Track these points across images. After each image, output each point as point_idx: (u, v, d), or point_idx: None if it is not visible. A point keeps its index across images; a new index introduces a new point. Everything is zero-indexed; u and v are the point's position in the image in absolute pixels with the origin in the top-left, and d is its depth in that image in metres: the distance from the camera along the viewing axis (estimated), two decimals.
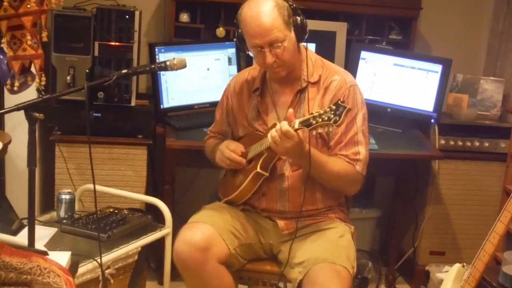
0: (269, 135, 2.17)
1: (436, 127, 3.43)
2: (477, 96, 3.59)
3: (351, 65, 3.49)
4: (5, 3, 2.12)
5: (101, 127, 3.14)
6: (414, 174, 3.51)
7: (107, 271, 2.41)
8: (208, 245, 2.27)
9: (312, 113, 2.11)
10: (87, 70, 3.08)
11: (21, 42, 2.19)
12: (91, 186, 2.63)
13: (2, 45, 2.20)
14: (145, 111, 3.25)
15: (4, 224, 2.47)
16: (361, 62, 3.51)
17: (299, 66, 2.39)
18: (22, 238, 2.21)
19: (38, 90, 2.32)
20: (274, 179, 2.39)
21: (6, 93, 2.74)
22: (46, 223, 2.66)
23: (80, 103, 2.97)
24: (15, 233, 2.44)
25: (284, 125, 2.11)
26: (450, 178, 3.48)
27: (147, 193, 3.26)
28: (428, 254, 3.55)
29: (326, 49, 3.34)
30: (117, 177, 3.20)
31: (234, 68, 3.50)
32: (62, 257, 2.09)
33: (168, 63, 2.29)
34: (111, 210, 2.75)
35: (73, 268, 2.14)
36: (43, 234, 2.47)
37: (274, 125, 2.26)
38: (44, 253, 2.07)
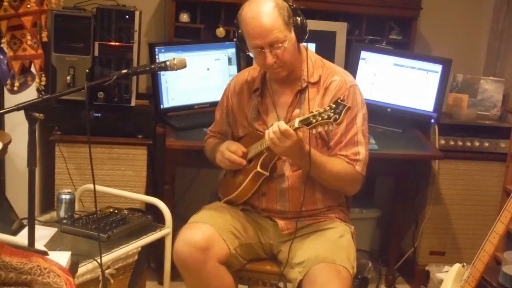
0: (266, 135, 2.16)
1: (436, 127, 3.43)
2: (477, 96, 3.59)
3: (351, 65, 3.49)
4: (5, 3, 2.12)
5: (101, 127, 3.14)
6: (414, 174, 3.51)
7: (107, 271, 2.41)
8: (208, 245, 2.27)
9: (312, 112, 2.10)
10: (87, 70, 3.08)
11: (21, 42, 2.19)
12: (91, 186, 2.63)
13: (2, 45, 2.20)
14: (145, 111, 3.25)
15: (4, 224, 2.47)
16: (361, 62, 3.51)
17: (299, 67, 2.39)
18: (22, 238, 2.21)
19: (38, 90, 2.32)
20: (274, 179, 2.39)
21: (6, 93, 2.74)
22: (46, 223, 2.66)
23: (80, 103, 2.97)
24: (15, 233, 2.44)
25: (282, 124, 2.11)
26: (450, 178, 3.47)
27: (147, 193, 3.26)
28: (428, 254, 3.54)
29: (326, 49, 3.34)
30: (117, 177, 3.20)
31: (234, 68, 3.50)
32: (62, 257, 2.09)
33: (168, 63, 2.29)
34: (111, 210, 2.75)
35: (73, 268, 2.14)
36: (43, 234, 2.47)
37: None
38: (44, 253, 2.07)
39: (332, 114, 2.05)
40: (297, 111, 2.20)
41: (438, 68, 3.41)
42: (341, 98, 2.10)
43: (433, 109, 3.42)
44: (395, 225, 3.48)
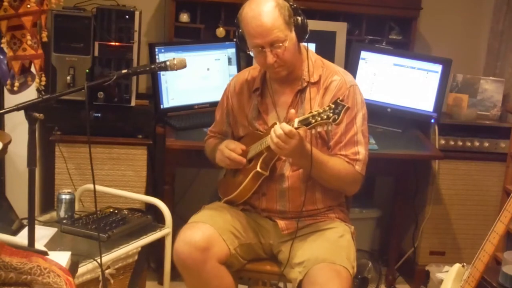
0: (270, 140, 2.16)
1: (436, 127, 3.43)
2: (477, 96, 3.59)
3: (351, 65, 3.49)
4: (5, 3, 2.12)
5: (101, 127, 3.14)
6: (414, 174, 3.51)
7: (107, 271, 2.41)
8: (208, 245, 2.27)
9: (311, 112, 2.11)
10: (87, 70, 3.08)
11: (21, 42, 2.19)
12: (91, 186, 2.63)
13: (2, 45, 2.20)
14: (145, 111, 3.25)
15: (4, 224, 2.47)
16: (361, 62, 3.51)
17: (300, 66, 2.39)
18: (22, 238, 2.21)
19: (38, 90, 2.31)
20: (274, 179, 2.39)
21: (6, 93, 2.74)
22: (46, 223, 2.66)
23: (80, 103, 2.97)
24: (15, 233, 2.44)
25: (286, 126, 2.11)
26: (450, 178, 3.47)
27: (147, 193, 3.26)
28: (428, 254, 3.54)
29: (326, 49, 3.34)
30: (117, 177, 3.20)
31: (234, 68, 3.50)
32: (62, 257, 2.09)
33: (168, 63, 2.29)
34: (111, 210, 2.75)
35: (73, 268, 2.14)
36: (43, 234, 2.47)
37: (273, 125, 2.26)
38: (44, 253, 2.07)
39: (331, 114, 2.05)
40: (292, 111, 2.19)
41: (438, 68, 3.41)
42: (341, 98, 2.10)
43: (433, 109, 3.42)
44: (395, 225, 3.48)
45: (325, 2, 3.55)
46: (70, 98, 2.93)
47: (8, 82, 2.29)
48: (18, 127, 2.90)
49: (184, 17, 3.52)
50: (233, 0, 3.25)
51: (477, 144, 3.47)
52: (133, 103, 3.17)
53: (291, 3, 2.29)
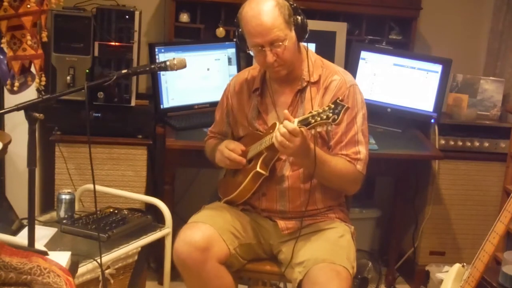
0: (274, 139, 2.15)
1: (436, 127, 3.43)
2: (477, 96, 3.59)
3: (351, 65, 3.49)
4: (5, 3, 2.12)
5: (101, 127, 3.14)
6: (414, 174, 3.51)
7: (107, 271, 2.41)
8: (208, 245, 2.27)
9: (311, 112, 2.10)
10: (87, 70, 3.09)
11: (21, 42, 2.19)
12: (91, 186, 2.63)
13: (2, 45, 2.20)
14: (145, 111, 3.25)
15: (4, 224, 2.47)
16: (361, 62, 3.51)
17: (299, 66, 2.39)
18: (22, 238, 2.21)
19: (38, 90, 2.31)
20: (274, 179, 2.39)
21: (6, 93, 2.74)
22: (46, 223, 2.66)
23: (80, 103, 2.97)
24: (15, 233, 2.44)
25: (289, 125, 2.10)
26: (450, 178, 3.48)
27: (147, 193, 3.26)
28: (428, 254, 3.54)
29: (326, 49, 3.34)
30: (117, 177, 3.20)
31: (234, 68, 3.50)
32: (62, 257, 2.09)
33: (168, 63, 2.29)
34: (111, 210, 2.75)
35: (73, 268, 2.13)
36: (43, 234, 2.47)
37: (273, 125, 2.27)
38: (44, 253, 2.07)
39: (331, 115, 2.05)
40: (285, 111, 2.19)
41: (438, 68, 3.41)
42: (340, 98, 2.10)
43: (433, 109, 3.42)
44: (395, 225, 3.48)
45: (325, 2, 3.55)
46: (70, 98, 2.93)
47: (8, 82, 2.28)
48: (18, 127, 2.90)
49: (184, 17, 3.52)
50: (233, 0, 3.25)
51: (477, 144, 3.47)
52: (133, 103, 3.17)
53: (291, 3, 2.29)
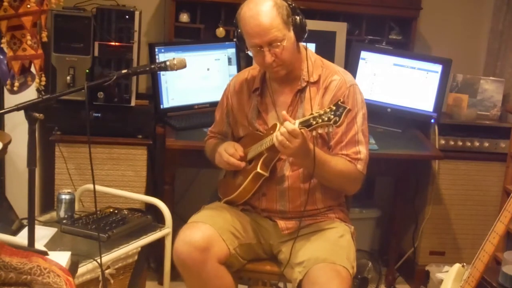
0: (274, 139, 2.16)
1: (436, 127, 3.43)
2: (477, 96, 3.59)
3: (351, 65, 3.49)
4: (5, 3, 2.12)
5: (101, 127, 3.14)
6: (414, 174, 3.51)
7: (107, 271, 2.41)
8: (208, 245, 2.27)
9: (312, 114, 2.11)
10: (87, 70, 3.09)
11: (21, 42, 2.19)
12: (91, 186, 2.63)
13: (2, 45, 2.20)
14: (145, 111, 3.25)
15: (4, 224, 2.47)
16: (361, 62, 3.51)
17: (299, 66, 2.39)
18: (22, 238, 2.21)
19: (38, 90, 2.31)
20: (274, 179, 2.39)
21: (6, 93, 2.74)
22: (46, 223, 2.66)
23: (80, 103, 2.97)
24: (15, 233, 2.44)
25: (289, 125, 2.11)
26: (450, 178, 3.47)
27: (147, 193, 3.26)
28: (428, 254, 3.54)
29: (326, 49, 3.34)
30: (117, 177, 3.20)
31: (234, 68, 3.50)
32: (62, 257, 2.09)
33: (168, 63, 2.29)
34: (111, 210, 2.75)
35: (73, 268, 2.14)
36: (43, 234, 2.47)
37: (274, 126, 2.27)
38: (44, 253, 2.07)
39: (332, 116, 2.05)
40: (283, 112, 2.19)
41: (438, 68, 3.41)
42: (341, 100, 2.10)
43: (433, 109, 3.42)
44: (395, 225, 3.48)
45: (325, 2, 3.55)
46: (70, 98, 2.93)
47: (8, 82, 2.29)
48: (18, 127, 2.90)
49: (184, 17, 3.52)
50: (233, 0, 3.25)
51: (477, 144, 3.47)
52: (133, 103, 3.17)
53: (290, 3, 2.29)
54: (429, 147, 3.36)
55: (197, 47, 3.43)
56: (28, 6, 2.14)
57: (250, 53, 2.33)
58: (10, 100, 2.45)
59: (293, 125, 2.11)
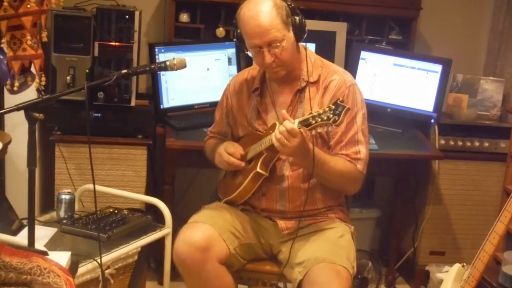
0: (273, 137, 2.16)
1: (436, 127, 3.43)
2: (477, 96, 3.59)
3: (351, 65, 3.49)
4: (5, 3, 2.12)
5: (101, 127, 3.14)
6: (414, 174, 3.51)
7: (107, 271, 2.41)
8: (208, 245, 2.27)
9: (311, 113, 2.11)
10: (87, 70, 3.09)
11: (21, 42, 2.19)
12: (91, 186, 2.63)
13: (2, 45, 2.20)
14: (145, 111, 3.25)
15: (4, 224, 2.47)
16: (361, 62, 3.51)
17: (299, 66, 2.39)
18: (22, 238, 2.21)
19: (38, 90, 2.32)
20: (274, 179, 2.39)
21: (6, 93, 2.74)
22: (46, 223, 2.66)
23: (80, 103, 2.97)
24: (15, 233, 2.44)
25: (288, 124, 2.11)
26: (450, 178, 3.47)
27: (147, 193, 3.26)
28: (428, 254, 3.54)
29: (326, 49, 3.34)
30: (117, 177, 3.20)
31: (234, 68, 3.50)
32: (62, 257, 2.09)
33: (168, 63, 2.29)
34: (111, 210, 2.75)
35: (73, 268, 2.14)
36: (43, 234, 2.47)
37: (273, 125, 2.27)
38: (44, 253, 2.07)
39: (331, 116, 2.05)
40: (283, 111, 2.19)
41: (438, 68, 3.41)
42: (341, 99, 2.10)
43: (433, 109, 3.42)
44: (395, 225, 3.48)
45: (325, 2, 3.55)
46: (70, 98, 2.93)
47: (8, 82, 2.29)
48: (18, 127, 2.90)
49: (184, 17, 3.52)
50: (233, 0, 3.25)
51: (477, 144, 3.47)
52: (133, 103, 3.17)
53: (289, 3, 2.29)
54: (429, 147, 3.36)
55: (197, 47, 3.43)
56: (28, 6, 2.14)
57: (249, 54, 2.33)
58: (10, 100, 2.45)
59: (292, 124, 2.11)
